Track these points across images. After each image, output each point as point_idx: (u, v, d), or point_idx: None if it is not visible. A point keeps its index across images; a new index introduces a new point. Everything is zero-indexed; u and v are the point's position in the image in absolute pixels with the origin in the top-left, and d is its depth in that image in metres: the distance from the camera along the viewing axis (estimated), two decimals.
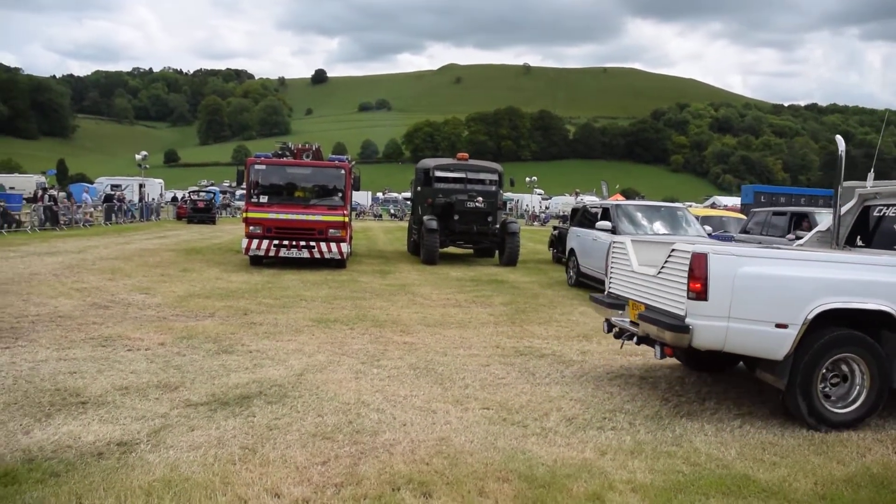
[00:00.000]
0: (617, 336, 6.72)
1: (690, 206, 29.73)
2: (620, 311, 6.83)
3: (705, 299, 5.38)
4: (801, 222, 14.44)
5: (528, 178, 68.80)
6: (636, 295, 6.50)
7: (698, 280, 5.38)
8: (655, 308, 6.01)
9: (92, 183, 62.12)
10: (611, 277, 7.26)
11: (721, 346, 5.53)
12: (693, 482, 4.45)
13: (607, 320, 7.02)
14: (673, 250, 5.78)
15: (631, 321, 6.51)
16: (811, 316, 5.32)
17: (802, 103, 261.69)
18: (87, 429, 5.03)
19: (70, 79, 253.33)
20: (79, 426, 5.09)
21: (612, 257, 7.22)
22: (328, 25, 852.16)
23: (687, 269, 5.47)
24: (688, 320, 5.45)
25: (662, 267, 5.94)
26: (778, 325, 5.36)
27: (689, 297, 5.45)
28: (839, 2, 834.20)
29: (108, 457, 4.55)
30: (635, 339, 6.32)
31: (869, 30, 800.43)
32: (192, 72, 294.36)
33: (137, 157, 43.84)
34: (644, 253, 6.79)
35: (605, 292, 7.37)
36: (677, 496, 4.24)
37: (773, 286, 5.38)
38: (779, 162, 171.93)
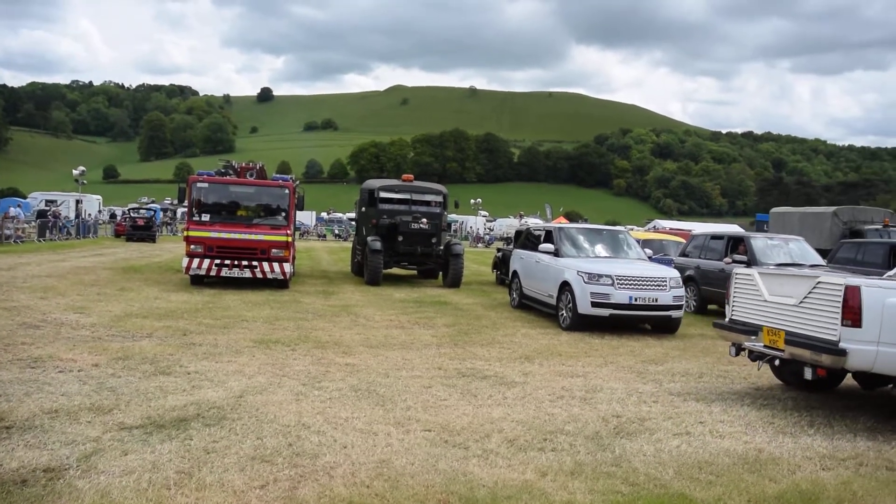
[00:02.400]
0: (753, 359, 7.42)
1: (632, 229, 30.32)
2: (753, 337, 7.34)
3: (859, 326, 6.07)
4: (737, 246, 14.87)
5: (472, 200, 69.33)
6: (771, 322, 7.13)
7: (852, 309, 6.08)
8: (799, 334, 6.68)
9: (24, 198, 60.15)
10: (734, 306, 7.88)
11: (870, 368, 6.20)
12: (632, 502, 4.51)
13: (735, 344, 7.65)
14: (819, 282, 6.54)
15: (765, 345, 7.15)
16: None
17: (739, 131, 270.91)
18: (11, 455, 4.83)
19: (3, 89, 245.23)
20: (2, 452, 4.87)
21: (737, 287, 7.85)
22: (274, 43, 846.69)
23: (840, 299, 6.18)
24: (842, 345, 6.13)
25: (806, 297, 6.65)
26: None
27: (843, 325, 6.14)
28: (772, 36, 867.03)
29: (32, 484, 4.37)
30: (777, 361, 7.04)
31: (798, 63, 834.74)
32: (134, 86, 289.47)
33: (75, 172, 42.73)
34: (772, 284, 7.37)
35: (727, 319, 7.99)
36: None
37: None
38: (717, 187, 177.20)
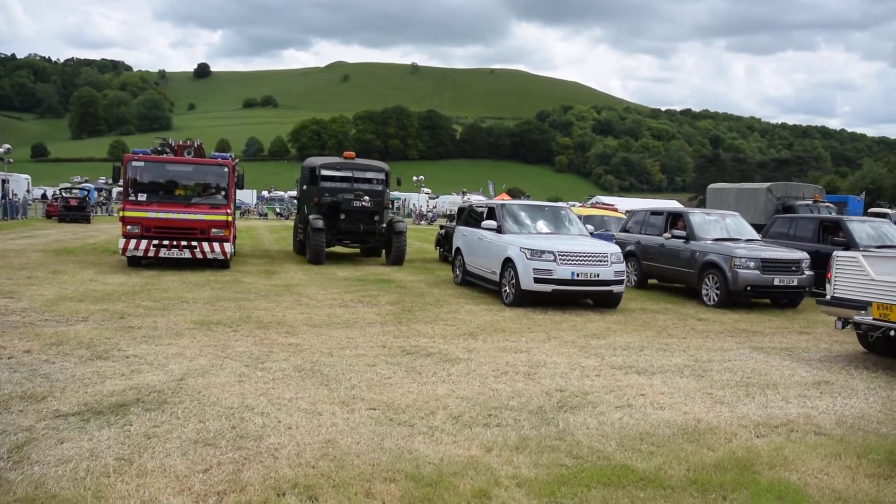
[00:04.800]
0: (864, 330, 8.30)
1: (574, 205, 30.68)
2: (862, 311, 8.05)
3: None
4: (676, 222, 15.20)
5: (414, 178, 69.04)
6: (882, 298, 7.89)
7: None
8: None
9: None
10: (837, 285, 8.60)
11: None
12: (576, 475, 4.59)
13: (842, 318, 8.39)
14: None
15: (875, 318, 7.90)
16: None
17: (678, 108, 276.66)
18: None
19: None
20: None
21: (838, 268, 8.59)
22: (210, 17, 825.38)
23: None
24: None
25: None
26: None
27: None
28: (708, 15, 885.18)
29: None
30: (893, 332, 7.74)
31: (734, 42, 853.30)
32: (62, 60, 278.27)
33: (0, 150, 40.97)
34: (877, 265, 8.15)
35: (829, 297, 8.68)
36: (560, 489, 4.36)
37: None
38: (657, 164, 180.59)
